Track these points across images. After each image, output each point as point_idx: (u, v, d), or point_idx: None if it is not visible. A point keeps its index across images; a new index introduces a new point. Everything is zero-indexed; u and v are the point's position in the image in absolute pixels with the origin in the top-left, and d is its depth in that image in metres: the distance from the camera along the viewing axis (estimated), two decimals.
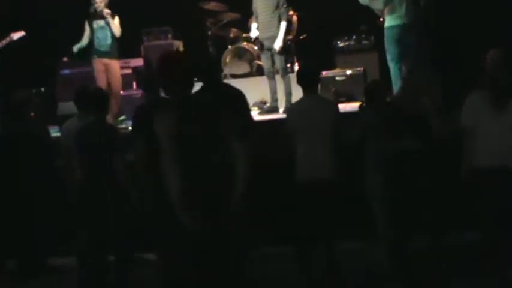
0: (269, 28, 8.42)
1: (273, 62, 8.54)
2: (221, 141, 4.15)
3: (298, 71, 6.62)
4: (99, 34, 8.60)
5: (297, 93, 7.66)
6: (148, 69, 9.79)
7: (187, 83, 4.25)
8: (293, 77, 9.15)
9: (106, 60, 8.59)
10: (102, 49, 8.61)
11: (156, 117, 4.18)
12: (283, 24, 8.39)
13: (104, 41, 8.60)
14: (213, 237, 4.09)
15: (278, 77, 8.68)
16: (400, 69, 7.84)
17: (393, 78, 7.89)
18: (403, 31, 7.73)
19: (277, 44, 8.35)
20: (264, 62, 8.71)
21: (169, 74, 4.19)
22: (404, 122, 5.80)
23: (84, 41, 8.70)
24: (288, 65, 9.78)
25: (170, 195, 4.05)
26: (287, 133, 6.01)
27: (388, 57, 7.88)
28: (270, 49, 8.46)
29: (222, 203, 4.12)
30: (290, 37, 9.18)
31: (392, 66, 7.87)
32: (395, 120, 5.83)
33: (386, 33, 7.84)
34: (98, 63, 8.63)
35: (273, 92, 8.66)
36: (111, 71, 8.61)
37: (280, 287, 5.98)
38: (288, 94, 8.38)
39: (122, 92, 9.01)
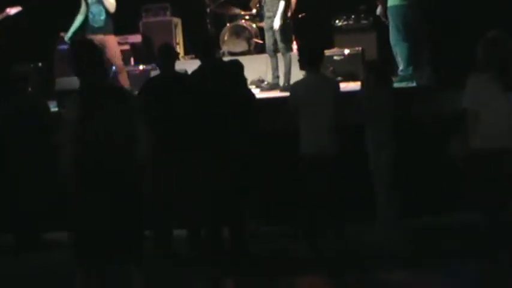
0: (271, 7, 8.51)
1: (275, 40, 8.57)
2: (123, 124, 4.45)
3: (301, 49, 6.65)
4: (93, 9, 8.51)
5: (297, 71, 7.78)
6: (146, 45, 9.79)
7: (93, 69, 4.50)
8: (293, 56, 9.23)
9: (101, 37, 8.40)
10: (96, 25, 8.50)
11: (65, 100, 4.54)
12: (282, 4, 8.45)
13: (98, 16, 8.49)
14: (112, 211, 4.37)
15: (279, 55, 8.71)
16: (409, 48, 7.83)
17: (402, 58, 7.86)
18: (407, 10, 7.74)
19: (276, 23, 8.43)
20: (267, 39, 8.78)
21: (78, 60, 4.50)
22: None
23: (78, 20, 8.65)
24: None
25: (62, 169, 4.39)
26: (291, 110, 6.08)
27: (399, 36, 7.81)
28: (272, 27, 8.51)
29: (123, 181, 4.40)
30: (288, 15, 9.20)
31: (402, 45, 7.82)
32: None
33: (394, 11, 7.80)
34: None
35: (274, 69, 8.70)
36: (108, 46, 8.48)
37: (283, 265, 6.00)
38: (287, 72, 8.42)
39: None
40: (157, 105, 5.89)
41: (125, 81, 8.63)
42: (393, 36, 7.87)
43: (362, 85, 6.15)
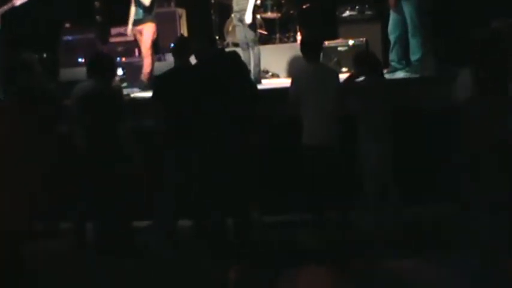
0: (239, 1, 8.53)
1: (246, 35, 8.59)
2: None
3: (302, 39, 6.67)
4: (137, 2, 8.79)
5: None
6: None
7: None
8: (289, 47, 9.25)
9: (140, 27, 8.81)
10: (135, 17, 8.82)
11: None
12: None
13: (139, 9, 8.79)
14: None
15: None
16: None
17: (419, 48, 7.76)
18: None
19: (248, 18, 8.41)
20: (237, 34, 8.78)
21: None
22: None
23: (132, 11, 8.86)
24: (291, 34, 9.82)
25: None
26: (292, 99, 6.11)
27: (420, 25, 7.71)
28: (242, 21, 8.51)
29: None
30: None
31: (420, 36, 7.74)
32: None
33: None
34: (135, 32, 8.92)
35: (247, 63, 8.66)
36: (143, 34, 8.84)
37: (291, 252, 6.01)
38: (256, 66, 8.45)
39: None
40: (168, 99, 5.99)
41: (146, 69, 8.77)
42: (415, 23, 7.74)
43: (353, 77, 6.14)
